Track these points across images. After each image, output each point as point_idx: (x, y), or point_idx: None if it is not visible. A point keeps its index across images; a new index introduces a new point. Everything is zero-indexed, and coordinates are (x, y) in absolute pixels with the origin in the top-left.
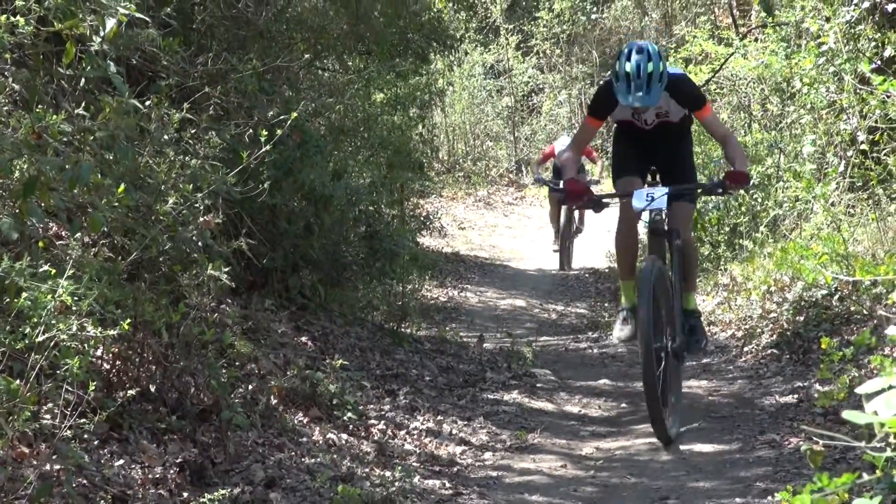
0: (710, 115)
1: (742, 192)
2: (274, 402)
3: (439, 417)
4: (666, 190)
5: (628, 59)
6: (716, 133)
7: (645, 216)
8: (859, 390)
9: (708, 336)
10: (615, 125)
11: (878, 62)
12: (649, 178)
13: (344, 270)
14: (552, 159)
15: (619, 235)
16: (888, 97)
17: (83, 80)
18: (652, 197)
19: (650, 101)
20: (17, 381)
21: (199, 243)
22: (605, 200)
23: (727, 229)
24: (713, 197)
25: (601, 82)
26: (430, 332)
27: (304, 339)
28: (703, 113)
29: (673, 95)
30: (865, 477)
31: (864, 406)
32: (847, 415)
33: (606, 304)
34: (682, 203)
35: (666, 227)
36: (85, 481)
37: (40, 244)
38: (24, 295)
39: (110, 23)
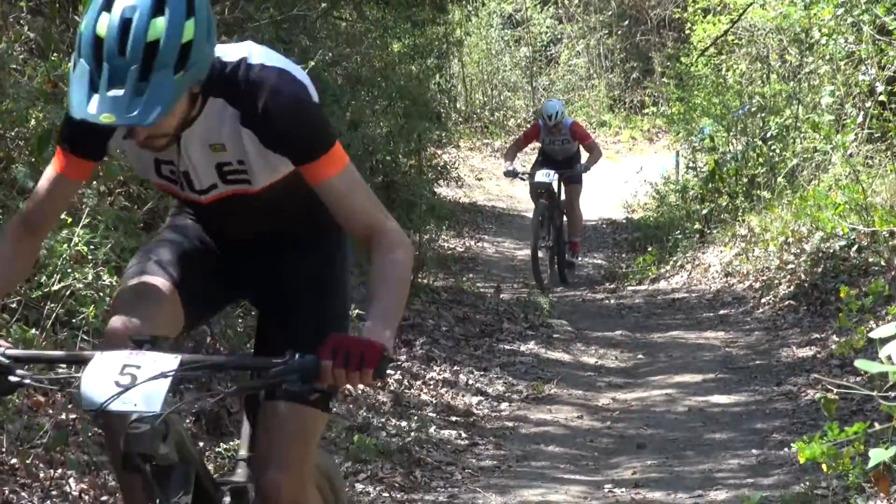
0: (337, 179)
1: (761, 143)
2: None
3: (456, 368)
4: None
5: (107, 6)
6: (351, 221)
7: None
8: (873, 335)
9: None
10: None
11: None
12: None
13: None
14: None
15: None
16: None
17: None
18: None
19: (137, 116)
20: (33, 330)
21: None
22: None
23: (745, 180)
24: (731, 148)
25: None
26: (447, 283)
27: None
28: (319, 170)
29: (252, 122)
30: (878, 426)
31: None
32: (860, 363)
33: (624, 255)
34: (297, 409)
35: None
36: (101, 430)
37: None
38: None
39: None
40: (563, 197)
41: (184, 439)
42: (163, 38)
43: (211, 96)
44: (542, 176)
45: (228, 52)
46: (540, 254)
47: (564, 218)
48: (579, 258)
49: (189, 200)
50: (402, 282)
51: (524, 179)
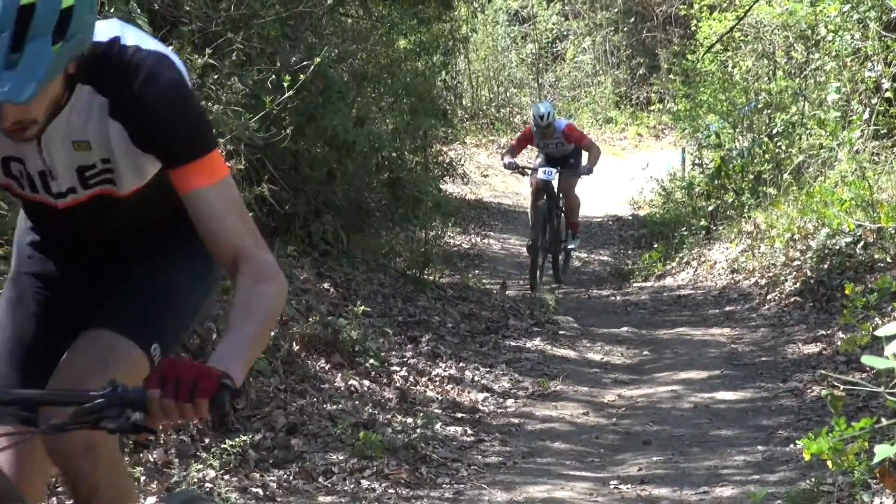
0: (209, 191)
1: (767, 139)
2: (296, 348)
3: (461, 364)
4: None
5: None
6: (218, 243)
7: None
8: (879, 332)
9: None
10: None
11: None
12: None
13: (367, 217)
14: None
15: None
16: None
17: None
18: None
19: (9, 92)
20: None
21: None
22: None
23: (751, 177)
24: (738, 144)
25: None
26: (452, 279)
27: (326, 285)
28: (190, 177)
29: (121, 113)
30: (885, 422)
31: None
32: (866, 359)
33: (630, 252)
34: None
35: None
36: None
37: None
38: None
39: None
40: (560, 192)
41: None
42: (39, 1)
43: (78, 82)
44: (544, 173)
45: (96, 30)
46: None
47: (562, 215)
48: (577, 243)
49: (35, 202)
50: (267, 318)
51: (524, 174)
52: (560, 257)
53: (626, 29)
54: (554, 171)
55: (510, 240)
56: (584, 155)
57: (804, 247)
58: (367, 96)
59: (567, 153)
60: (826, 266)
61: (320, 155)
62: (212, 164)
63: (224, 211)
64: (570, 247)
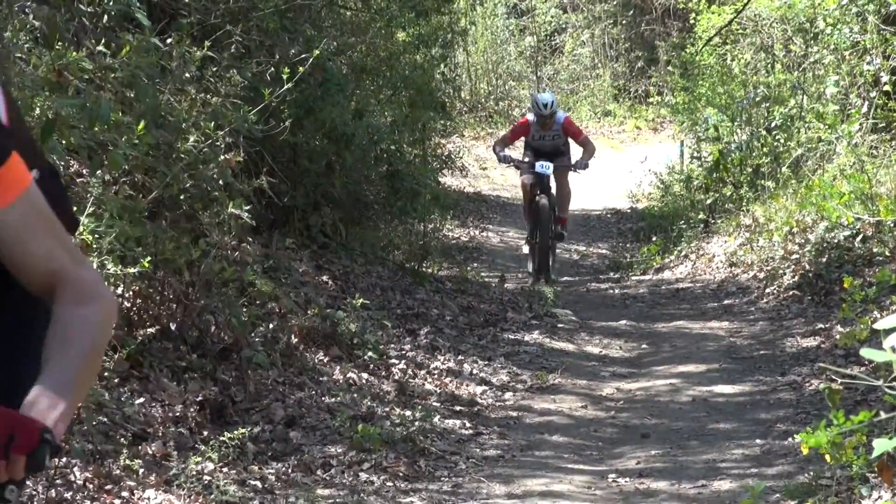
0: (8, 211)
1: (765, 132)
2: (294, 340)
3: (460, 357)
4: None
5: None
6: (27, 268)
7: None
8: (877, 326)
9: None
10: None
11: None
12: None
13: (365, 209)
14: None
15: None
16: None
17: (105, 17)
18: None
19: None
20: None
21: (220, 181)
22: None
23: (749, 170)
24: (736, 137)
25: None
26: (451, 272)
27: (324, 277)
28: None
29: None
30: (883, 415)
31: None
32: (865, 352)
33: (628, 245)
34: None
35: None
36: (105, 419)
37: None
38: None
39: None
40: (553, 185)
41: None
42: None
43: None
44: (541, 167)
45: None
46: (525, 250)
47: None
48: (565, 237)
49: None
50: (92, 348)
51: (519, 167)
52: (556, 229)
53: (624, 22)
54: (550, 164)
55: (509, 233)
56: (575, 149)
57: (803, 240)
58: (365, 89)
59: (559, 146)
60: (825, 259)
61: (319, 147)
62: (8, 176)
63: (29, 231)
64: (560, 232)
